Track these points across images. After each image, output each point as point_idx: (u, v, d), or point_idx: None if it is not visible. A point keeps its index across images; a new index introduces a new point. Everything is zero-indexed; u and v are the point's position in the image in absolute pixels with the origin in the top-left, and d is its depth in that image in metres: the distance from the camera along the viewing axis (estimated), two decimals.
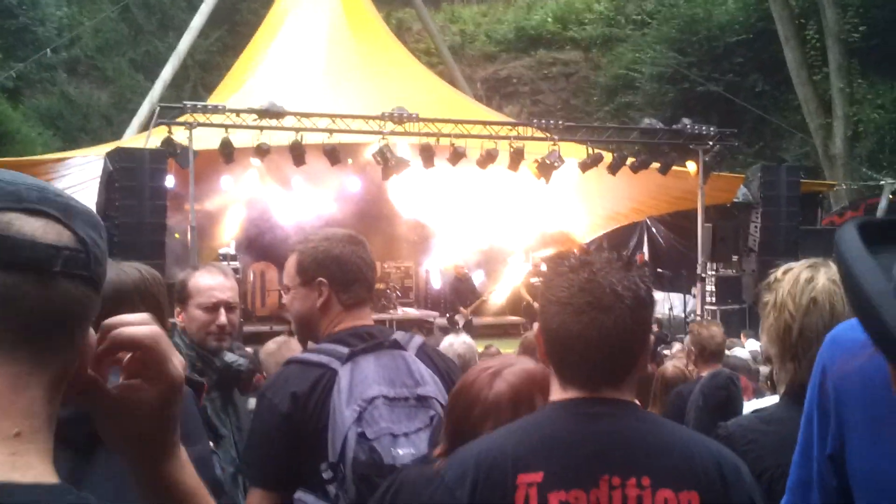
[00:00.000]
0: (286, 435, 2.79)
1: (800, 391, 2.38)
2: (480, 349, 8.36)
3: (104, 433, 1.15)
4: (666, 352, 10.97)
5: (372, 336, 3.02)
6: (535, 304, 18.27)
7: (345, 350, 2.89)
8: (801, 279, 2.59)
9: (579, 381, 2.10)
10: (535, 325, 2.23)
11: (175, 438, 1.18)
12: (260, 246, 19.49)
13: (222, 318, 3.87)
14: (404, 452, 2.76)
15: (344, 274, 3.06)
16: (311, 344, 3.17)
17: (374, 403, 2.78)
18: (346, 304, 3.07)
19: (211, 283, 3.91)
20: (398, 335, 3.07)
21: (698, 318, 15.53)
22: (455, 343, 6.23)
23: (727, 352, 8.60)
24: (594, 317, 2.03)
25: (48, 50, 23.37)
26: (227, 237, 19.14)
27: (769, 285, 2.68)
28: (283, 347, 5.46)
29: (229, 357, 3.90)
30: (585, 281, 2.07)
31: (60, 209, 1.01)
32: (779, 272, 2.68)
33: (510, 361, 2.48)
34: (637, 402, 2.22)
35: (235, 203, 18.71)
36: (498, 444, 2.07)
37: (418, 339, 3.13)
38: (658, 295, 18.46)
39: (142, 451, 1.15)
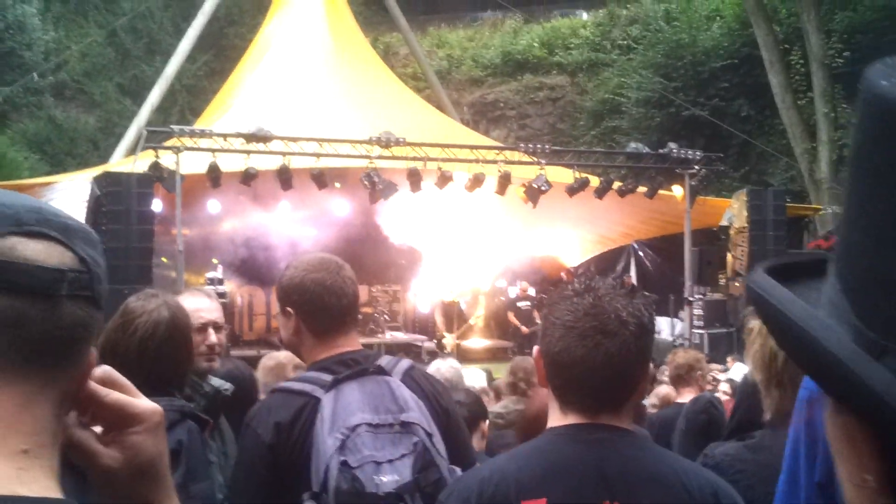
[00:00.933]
0: (270, 466, 2.78)
1: (785, 419, 2.38)
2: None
3: (94, 481, 1.14)
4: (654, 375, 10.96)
5: (357, 362, 2.99)
6: (524, 329, 18.23)
7: (328, 378, 2.88)
8: None
9: (580, 405, 2.11)
10: (535, 349, 2.23)
11: (167, 483, 1.18)
12: (248, 270, 19.44)
13: (212, 337, 3.86)
14: (388, 479, 2.73)
15: (305, 303, 3.02)
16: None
17: (356, 431, 2.76)
18: (315, 332, 3.04)
19: (197, 304, 3.88)
20: (384, 360, 3.05)
21: (685, 343, 15.57)
22: (442, 367, 6.22)
23: (724, 375, 8.68)
24: (599, 341, 2.03)
25: (35, 74, 23.39)
26: (215, 262, 19.08)
27: (754, 311, 2.66)
28: (280, 367, 5.43)
29: (216, 382, 3.89)
30: (590, 306, 2.07)
31: (60, 230, 1.01)
32: None
33: None
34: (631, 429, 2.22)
35: (223, 227, 18.67)
36: (501, 470, 2.08)
37: (405, 364, 3.10)
38: None
39: (134, 495, 1.15)
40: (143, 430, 1.13)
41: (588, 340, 2.04)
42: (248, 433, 2.88)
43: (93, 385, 1.10)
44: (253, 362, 5.83)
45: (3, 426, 0.97)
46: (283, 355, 5.42)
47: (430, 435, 2.87)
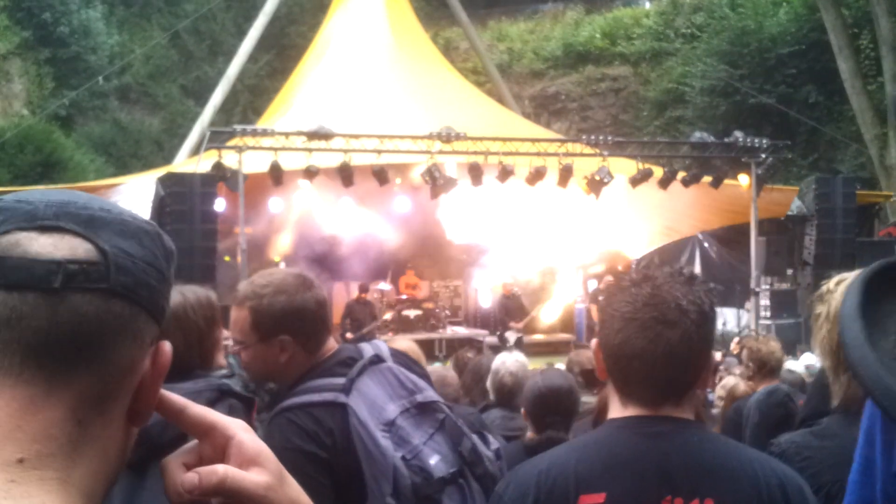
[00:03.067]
0: (331, 479, 2.68)
1: (853, 405, 2.37)
2: (531, 367, 8.25)
3: None
4: (721, 367, 10.79)
5: (352, 359, 2.92)
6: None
7: (339, 381, 2.80)
8: None
9: (642, 397, 2.07)
10: (594, 342, 2.17)
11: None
12: (309, 267, 19.53)
13: None
14: (434, 461, 2.74)
15: (306, 325, 2.90)
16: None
17: (396, 424, 2.74)
18: (312, 350, 2.93)
19: None
20: (368, 348, 2.99)
21: (752, 333, 15.29)
22: (507, 361, 6.12)
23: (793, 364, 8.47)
24: (659, 332, 2.00)
25: (100, 78, 23.67)
26: (277, 259, 19.22)
27: (821, 296, 2.61)
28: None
29: None
30: (649, 296, 2.03)
31: (82, 221, 0.96)
32: (831, 283, 2.60)
33: None
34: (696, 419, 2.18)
35: (285, 225, 18.81)
36: (559, 464, 2.04)
37: (384, 346, 3.06)
38: None
39: None
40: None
41: (648, 331, 2.00)
42: (288, 455, 2.58)
43: (167, 395, 1.06)
44: None
45: None
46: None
47: (450, 407, 2.89)
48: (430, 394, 2.88)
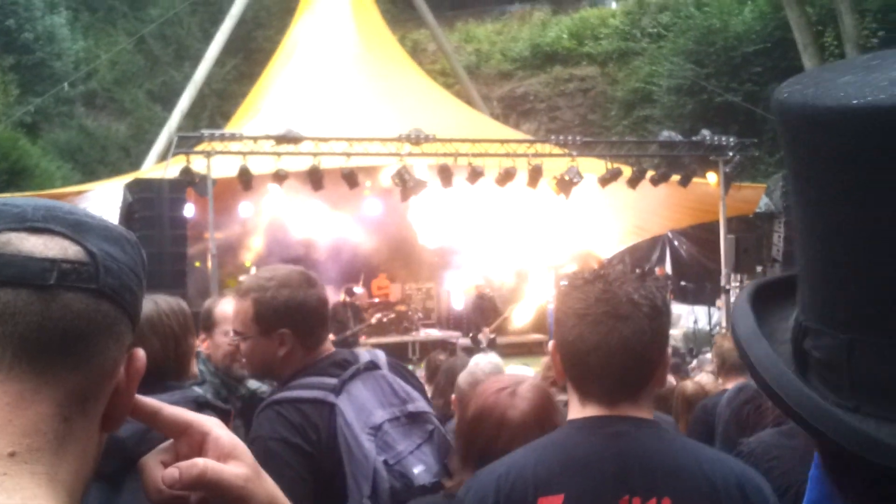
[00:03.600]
0: (313, 474, 2.72)
1: None
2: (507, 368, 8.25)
3: None
4: (692, 364, 10.85)
5: (348, 362, 2.96)
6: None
7: (331, 381, 2.83)
8: None
9: (598, 395, 2.08)
10: (551, 343, 2.19)
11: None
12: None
13: None
14: (418, 471, 2.76)
15: (307, 321, 2.95)
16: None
17: (382, 429, 2.77)
18: (310, 346, 2.98)
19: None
20: (365, 355, 3.03)
21: (723, 331, 15.38)
22: (481, 363, 6.11)
23: None
24: (612, 326, 2.02)
25: (66, 84, 23.54)
26: (248, 264, 19.14)
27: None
28: None
29: (253, 384, 3.89)
30: (601, 291, 2.05)
31: (69, 225, 0.98)
32: None
33: (517, 379, 2.46)
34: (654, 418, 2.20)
35: (255, 229, 18.74)
36: (518, 466, 2.05)
37: (382, 355, 3.10)
38: (682, 308, 18.33)
39: None
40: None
41: (602, 326, 2.02)
42: (272, 446, 2.72)
43: (141, 399, 1.08)
44: None
45: None
46: None
47: (441, 421, 2.93)
48: (421, 404, 2.91)
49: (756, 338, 0.85)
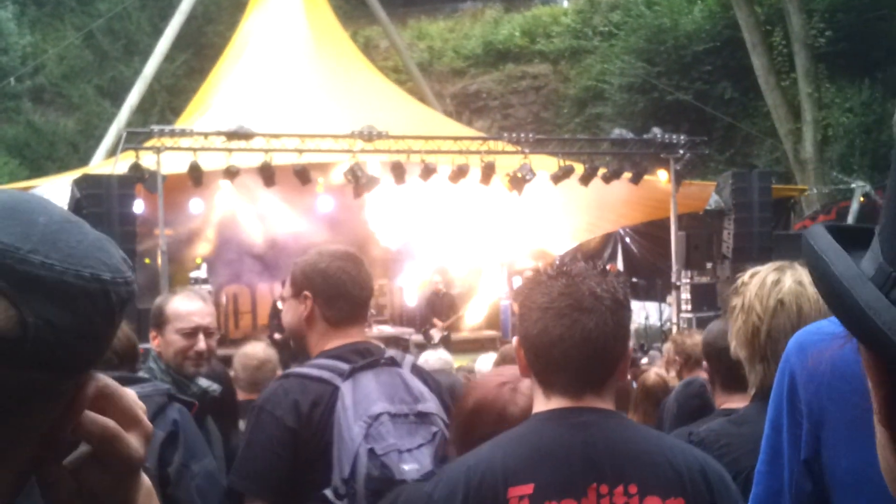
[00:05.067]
0: (290, 448, 2.83)
1: (770, 392, 2.43)
2: (457, 365, 8.27)
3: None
4: (644, 360, 10.92)
5: (370, 353, 3.06)
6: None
7: (344, 366, 2.93)
8: (768, 282, 2.61)
9: (562, 387, 2.12)
10: (515, 339, 2.21)
11: (141, 482, 1.08)
12: (232, 269, 19.32)
13: (201, 343, 3.85)
14: (409, 468, 2.81)
15: (327, 288, 3.08)
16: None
17: (379, 419, 2.83)
18: (330, 321, 3.09)
19: (190, 308, 3.89)
20: (393, 352, 3.12)
21: (674, 327, 15.52)
22: (430, 359, 6.13)
23: None
24: (575, 318, 2.06)
25: (12, 79, 23.18)
26: (198, 261, 18.97)
27: (737, 289, 2.71)
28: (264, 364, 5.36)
29: (203, 383, 3.88)
30: (564, 286, 2.10)
31: (16, 281, 0.89)
32: (746, 276, 2.71)
33: (517, 373, 2.47)
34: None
35: (206, 226, 18.58)
36: (486, 458, 2.08)
37: (410, 357, 3.19)
38: (634, 305, 18.43)
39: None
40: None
41: (565, 319, 2.06)
42: (263, 416, 2.90)
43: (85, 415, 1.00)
44: None
45: None
46: (262, 352, 5.36)
47: (447, 425, 2.94)
48: (430, 405, 2.96)
49: (861, 280, 0.82)
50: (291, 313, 3.16)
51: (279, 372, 5.19)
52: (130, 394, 1.05)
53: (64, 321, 0.91)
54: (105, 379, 1.02)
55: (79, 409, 0.98)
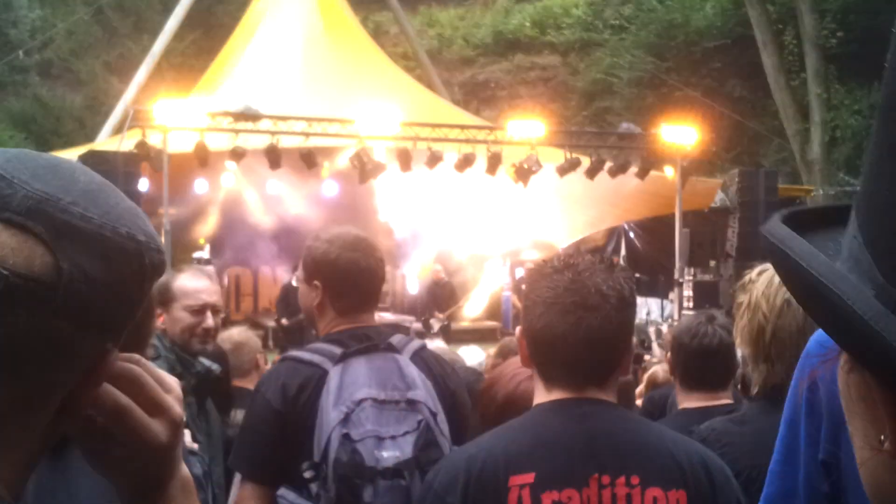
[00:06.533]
0: (276, 430, 2.85)
1: (773, 392, 2.49)
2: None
3: (93, 462, 1.04)
4: (646, 356, 10.92)
5: (368, 337, 3.04)
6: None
7: (338, 350, 2.93)
8: (775, 281, 2.55)
9: (564, 381, 2.12)
10: (518, 329, 2.19)
11: (176, 471, 1.08)
12: (235, 250, 19.33)
13: (209, 320, 3.86)
14: (388, 455, 2.79)
15: (337, 281, 3.08)
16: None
17: (361, 405, 2.82)
18: (339, 309, 3.09)
19: (198, 285, 3.91)
20: (396, 338, 3.10)
21: (674, 324, 15.50)
22: None
23: None
24: (580, 316, 2.04)
25: (20, 52, 23.15)
26: (202, 241, 18.97)
27: (743, 286, 2.69)
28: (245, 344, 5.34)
29: (206, 362, 3.86)
30: (570, 281, 2.08)
31: (53, 227, 0.87)
32: (753, 273, 2.67)
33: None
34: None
35: (210, 206, 18.57)
36: (488, 447, 2.09)
37: (416, 343, 3.19)
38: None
39: (136, 484, 1.05)
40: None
41: (569, 316, 2.05)
42: (257, 398, 2.97)
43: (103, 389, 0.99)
44: None
45: None
46: (238, 335, 5.34)
47: (434, 414, 2.92)
48: (419, 393, 2.94)
49: (793, 238, 0.80)
50: (304, 297, 3.19)
51: (259, 356, 5.25)
52: (168, 381, 1.06)
53: (97, 274, 0.90)
54: (136, 360, 1.03)
55: (98, 378, 0.97)
